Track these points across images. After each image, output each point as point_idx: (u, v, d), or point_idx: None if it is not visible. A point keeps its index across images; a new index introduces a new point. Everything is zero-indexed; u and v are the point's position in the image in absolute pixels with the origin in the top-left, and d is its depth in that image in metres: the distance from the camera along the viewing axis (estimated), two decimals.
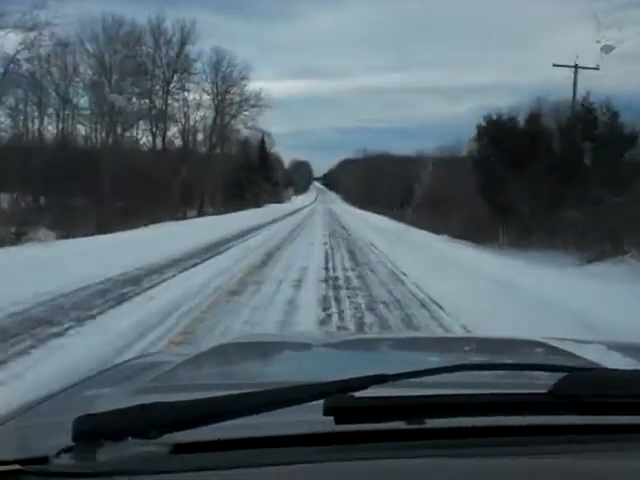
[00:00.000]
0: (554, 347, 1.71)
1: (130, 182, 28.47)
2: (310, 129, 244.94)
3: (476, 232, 23.09)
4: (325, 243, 21.89)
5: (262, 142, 64.56)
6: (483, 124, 21.12)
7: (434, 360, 1.67)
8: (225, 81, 42.48)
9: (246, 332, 6.76)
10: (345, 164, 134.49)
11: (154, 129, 37.38)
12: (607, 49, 13.39)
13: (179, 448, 0.82)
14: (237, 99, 43.37)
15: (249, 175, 53.63)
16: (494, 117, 20.93)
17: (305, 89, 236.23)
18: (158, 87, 35.49)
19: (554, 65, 22.14)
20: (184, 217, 37.33)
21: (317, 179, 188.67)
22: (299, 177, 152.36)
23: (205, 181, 39.16)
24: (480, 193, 21.82)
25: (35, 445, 0.90)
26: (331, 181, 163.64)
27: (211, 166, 40.16)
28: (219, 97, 41.84)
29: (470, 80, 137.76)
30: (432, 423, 0.86)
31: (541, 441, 0.88)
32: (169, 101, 38.01)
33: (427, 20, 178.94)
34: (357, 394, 0.86)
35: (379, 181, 64.72)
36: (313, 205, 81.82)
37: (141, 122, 34.85)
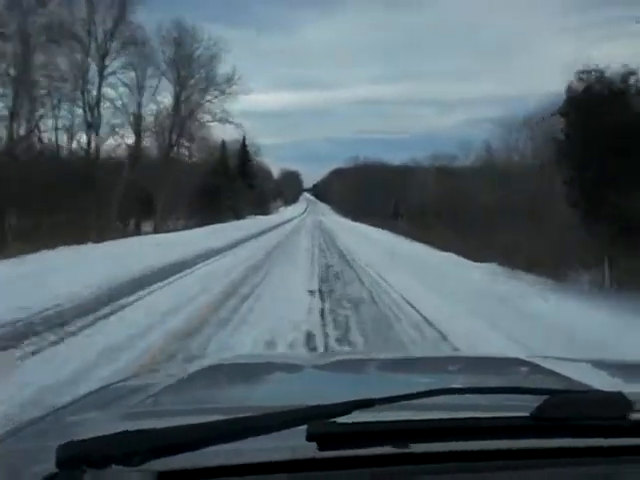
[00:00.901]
0: (538, 366, 1.69)
1: (46, 192, 19.60)
2: (301, 140, 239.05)
3: (545, 260, 14.45)
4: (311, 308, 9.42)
5: (243, 145, 55.60)
6: (576, 86, 12.12)
7: (421, 381, 1.61)
8: (188, 61, 32.30)
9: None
10: (336, 174, 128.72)
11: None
12: None
13: (163, 476, 0.81)
14: (203, 85, 33.62)
15: (227, 183, 44.79)
16: (594, 73, 11.98)
17: (297, 100, 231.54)
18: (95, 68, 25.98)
19: None
20: (136, 233, 28.62)
21: (307, 190, 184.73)
22: (289, 188, 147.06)
23: (161, 189, 29.97)
24: (567, 199, 13.03)
25: (19, 472, 0.89)
26: (321, 192, 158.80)
27: (172, 170, 30.68)
28: (180, 80, 32.07)
29: (462, 92, 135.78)
30: (416, 448, 0.85)
31: (524, 465, 0.87)
32: (103, 86, 27.14)
33: (420, 33, 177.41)
34: (340, 419, 0.83)
35: (372, 191, 60.57)
36: (302, 217, 72.97)
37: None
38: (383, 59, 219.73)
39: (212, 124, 34.63)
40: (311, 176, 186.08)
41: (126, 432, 0.78)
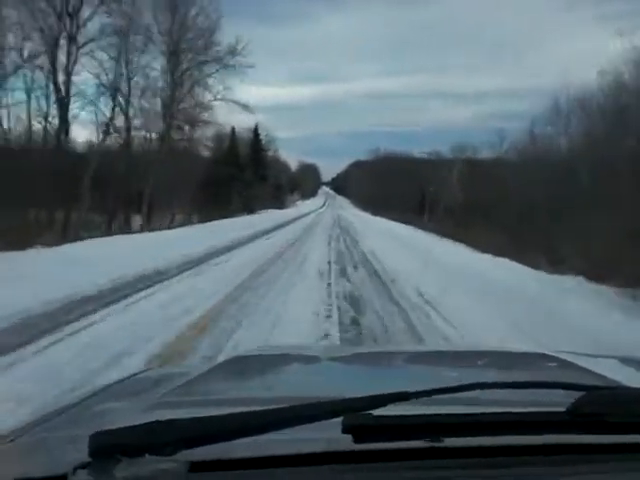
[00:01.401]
0: (568, 362, 1.66)
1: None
2: (318, 134, 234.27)
3: None
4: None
5: (255, 133, 50.54)
6: None
7: (449, 376, 1.58)
8: (184, 28, 25.57)
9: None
10: (355, 167, 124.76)
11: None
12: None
13: (195, 466, 0.79)
14: (202, 58, 27.06)
15: (237, 173, 39.90)
16: None
17: (313, 94, 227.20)
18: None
19: None
20: (125, 230, 23.85)
21: (325, 184, 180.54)
22: (307, 181, 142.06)
23: (148, 180, 24.85)
24: None
25: (52, 461, 0.88)
26: (340, 185, 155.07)
27: (166, 158, 25.42)
28: (173, 50, 25.63)
29: (476, 85, 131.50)
30: (451, 442, 0.84)
31: (560, 460, 0.86)
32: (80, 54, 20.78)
33: (435, 26, 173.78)
34: (376, 412, 0.82)
35: (394, 184, 57.35)
36: (320, 211, 68.07)
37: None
38: (396, 52, 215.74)
39: (215, 103, 29.06)
40: (329, 170, 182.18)
41: (158, 422, 0.78)
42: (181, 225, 28.42)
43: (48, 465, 0.85)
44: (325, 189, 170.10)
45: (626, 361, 1.68)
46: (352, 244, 21.49)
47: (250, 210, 44.26)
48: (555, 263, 13.82)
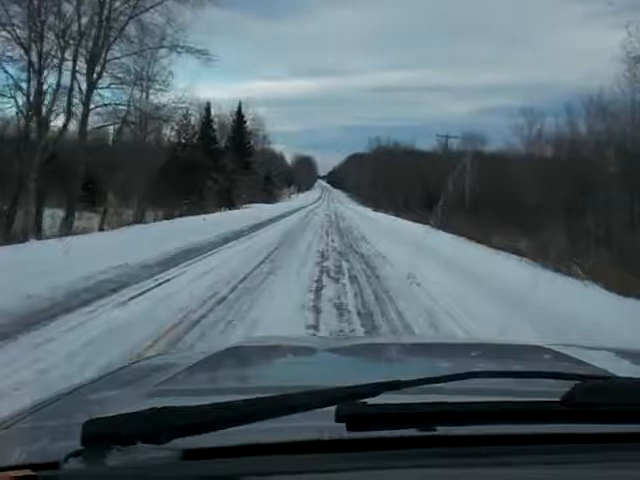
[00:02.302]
0: (562, 354, 1.63)
1: None
2: (316, 128, 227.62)
3: None
4: None
5: (238, 115, 43.14)
6: None
7: (443, 366, 1.58)
8: None
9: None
10: (353, 159, 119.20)
11: None
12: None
13: (189, 454, 0.79)
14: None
15: (212, 162, 32.59)
16: None
17: (313, 88, 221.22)
18: None
19: None
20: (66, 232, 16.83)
21: (322, 177, 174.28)
22: (302, 174, 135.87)
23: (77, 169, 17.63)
24: None
25: (45, 449, 0.88)
26: (338, 178, 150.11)
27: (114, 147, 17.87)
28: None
29: (476, 79, 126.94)
30: (444, 431, 0.83)
31: (555, 450, 0.85)
32: None
33: (435, 20, 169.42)
34: (369, 401, 0.82)
35: (395, 177, 54.21)
36: (314, 206, 60.63)
37: None
38: (398, 46, 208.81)
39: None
40: (326, 164, 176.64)
41: (152, 409, 0.76)
42: (130, 223, 21.41)
43: (41, 453, 0.84)
44: (322, 182, 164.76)
45: (621, 353, 1.65)
46: (358, 255, 14.45)
47: (230, 204, 37.13)
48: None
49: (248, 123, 46.12)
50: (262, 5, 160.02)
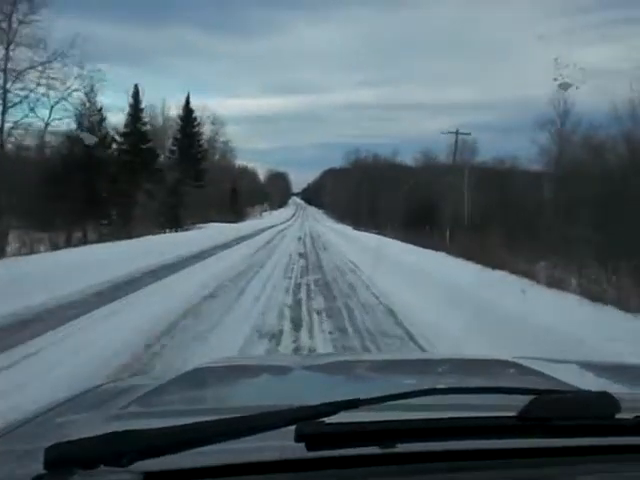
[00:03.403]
0: (526, 367, 1.63)
1: None
2: (291, 145, 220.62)
3: None
4: None
5: (186, 111, 34.11)
6: None
7: (409, 383, 1.55)
8: None
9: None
10: (328, 175, 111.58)
11: None
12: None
13: (151, 476, 0.78)
14: None
15: (144, 166, 23.83)
16: None
17: (285, 105, 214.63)
18: None
19: None
20: None
21: (296, 194, 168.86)
22: (276, 191, 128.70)
23: None
24: None
25: (8, 473, 0.86)
26: (312, 195, 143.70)
27: None
28: None
29: (450, 96, 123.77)
30: (403, 448, 0.82)
31: (511, 464, 0.85)
32: None
33: (407, 37, 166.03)
34: (328, 419, 0.81)
35: (375, 193, 51.47)
36: (287, 224, 51.96)
37: None
38: (371, 64, 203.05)
39: None
40: (301, 181, 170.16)
41: (114, 433, 0.76)
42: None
43: (5, 477, 0.83)
44: (296, 199, 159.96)
45: (586, 366, 1.66)
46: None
47: (176, 225, 28.43)
48: None
49: (204, 126, 37.53)
50: (235, 23, 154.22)
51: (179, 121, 33.85)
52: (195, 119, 35.35)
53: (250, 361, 2.36)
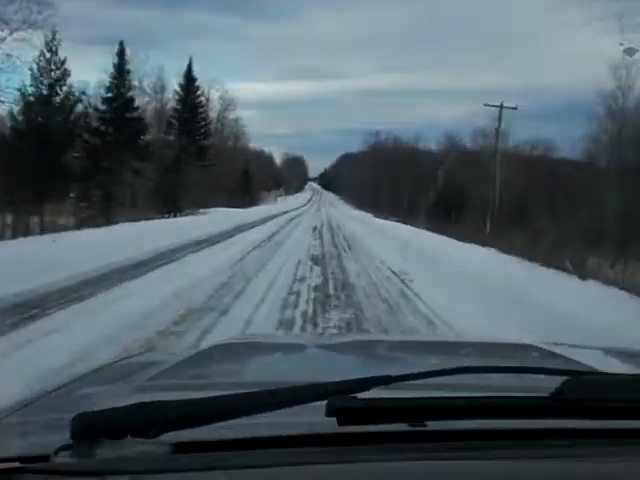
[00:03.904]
0: (551, 352, 1.60)
1: None
2: (308, 131, 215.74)
3: None
4: None
5: (187, 77, 29.74)
6: None
7: (434, 363, 1.56)
8: None
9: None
10: (346, 159, 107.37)
11: None
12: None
13: (179, 447, 0.77)
14: None
15: (130, 138, 19.93)
16: None
17: (304, 91, 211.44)
18: None
19: None
20: None
21: (313, 179, 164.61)
22: (293, 176, 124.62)
23: None
24: None
25: (34, 442, 0.85)
26: (328, 180, 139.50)
27: None
28: None
29: (468, 83, 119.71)
30: (434, 425, 0.82)
31: (543, 445, 0.84)
32: None
33: (426, 23, 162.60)
34: (360, 395, 0.80)
35: (397, 177, 48.53)
36: (299, 211, 47.96)
37: None
38: (389, 49, 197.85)
39: None
40: (318, 166, 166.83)
41: (142, 404, 0.75)
42: None
43: (31, 446, 0.82)
44: (312, 185, 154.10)
45: (610, 352, 1.63)
46: None
47: (175, 210, 24.63)
48: None
49: (212, 103, 33.46)
50: (253, 8, 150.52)
51: (179, 90, 29.52)
52: (198, 88, 30.73)
53: (272, 339, 2.30)
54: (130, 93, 22.15)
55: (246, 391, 0.81)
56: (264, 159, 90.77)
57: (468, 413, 0.82)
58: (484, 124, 33.76)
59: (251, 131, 48.56)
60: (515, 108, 27.43)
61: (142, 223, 17.80)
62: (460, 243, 18.41)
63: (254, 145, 62.04)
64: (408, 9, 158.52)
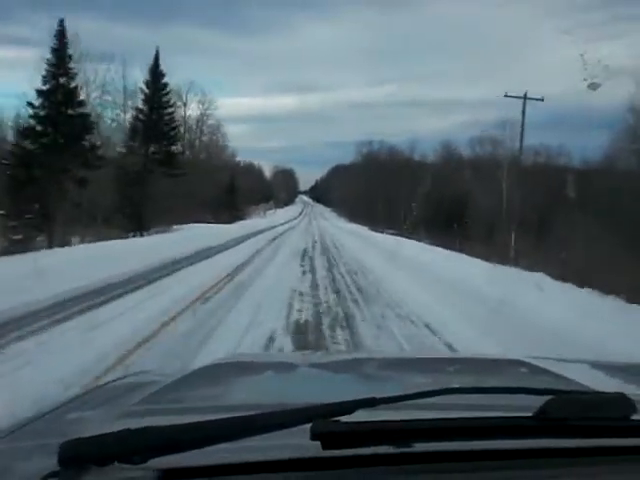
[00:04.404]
0: (539, 367, 1.60)
1: None
2: (299, 144, 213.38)
3: None
4: None
5: (154, 71, 25.35)
6: None
7: (421, 382, 1.54)
8: None
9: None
10: (337, 171, 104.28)
11: None
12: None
13: (165, 473, 0.78)
14: None
15: (69, 140, 16.04)
16: None
17: (294, 104, 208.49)
18: None
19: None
20: None
21: (303, 192, 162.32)
22: (283, 189, 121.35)
23: None
24: None
25: (22, 469, 0.85)
26: (319, 193, 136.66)
27: None
28: None
29: (460, 94, 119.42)
30: (420, 447, 0.81)
31: (528, 465, 0.84)
32: None
33: (417, 35, 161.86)
34: (344, 418, 0.80)
35: (391, 189, 47.27)
36: (289, 226, 44.21)
37: None
38: (378, 62, 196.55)
39: None
40: (308, 179, 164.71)
41: (128, 430, 0.75)
42: None
43: (17, 473, 0.83)
44: (303, 197, 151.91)
45: (599, 366, 1.63)
46: None
47: (138, 227, 20.72)
48: None
49: (191, 105, 29.45)
50: (242, 22, 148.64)
51: (144, 87, 25.34)
52: (166, 85, 26.32)
53: (261, 358, 2.37)
54: (71, 84, 17.91)
55: (231, 415, 0.79)
56: (253, 172, 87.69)
57: (452, 435, 0.81)
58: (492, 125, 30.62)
59: (240, 145, 45.04)
60: (541, 99, 23.73)
61: (80, 247, 13.81)
62: (481, 262, 14.74)
63: (242, 159, 58.59)
64: (397, 21, 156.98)
